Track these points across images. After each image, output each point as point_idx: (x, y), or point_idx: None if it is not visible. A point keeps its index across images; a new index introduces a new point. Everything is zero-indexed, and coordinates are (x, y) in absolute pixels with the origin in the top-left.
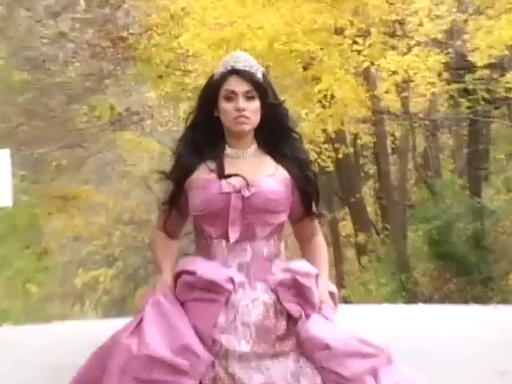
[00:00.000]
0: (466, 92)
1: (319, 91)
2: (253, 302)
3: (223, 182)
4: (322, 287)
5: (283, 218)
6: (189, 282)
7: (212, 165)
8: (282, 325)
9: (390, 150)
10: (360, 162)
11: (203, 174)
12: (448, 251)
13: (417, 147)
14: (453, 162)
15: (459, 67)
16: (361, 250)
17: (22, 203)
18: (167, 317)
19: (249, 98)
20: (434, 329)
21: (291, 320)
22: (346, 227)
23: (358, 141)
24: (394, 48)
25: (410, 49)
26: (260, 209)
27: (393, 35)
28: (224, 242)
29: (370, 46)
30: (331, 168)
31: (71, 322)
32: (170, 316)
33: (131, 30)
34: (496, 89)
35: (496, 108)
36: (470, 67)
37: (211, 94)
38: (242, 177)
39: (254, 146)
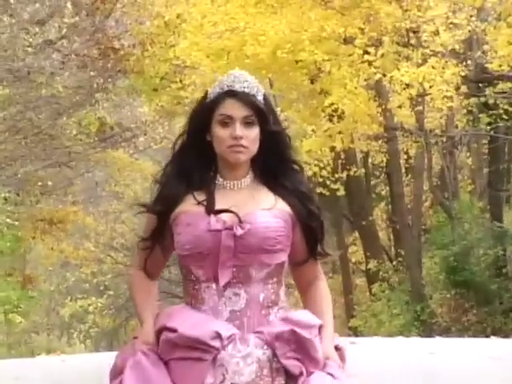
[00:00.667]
0: (486, 106)
1: (329, 105)
2: (244, 359)
3: (212, 218)
4: (327, 340)
5: (282, 257)
6: (171, 340)
7: (200, 196)
8: None
9: (403, 170)
10: (371, 182)
11: (190, 207)
12: (467, 279)
13: (433, 166)
14: (472, 183)
15: (479, 80)
16: (372, 278)
17: (4, 226)
18: (150, 381)
19: (247, 124)
20: (451, 364)
21: (290, 379)
22: (357, 253)
23: (369, 160)
24: (408, 59)
25: (425, 60)
26: (255, 248)
27: (407, 45)
28: (214, 286)
29: (382, 56)
30: (340, 190)
31: (58, 356)
32: (153, 381)
33: (122, 40)
34: None
35: None
36: (491, 80)
37: (204, 116)
38: (234, 212)
39: (250, 177)
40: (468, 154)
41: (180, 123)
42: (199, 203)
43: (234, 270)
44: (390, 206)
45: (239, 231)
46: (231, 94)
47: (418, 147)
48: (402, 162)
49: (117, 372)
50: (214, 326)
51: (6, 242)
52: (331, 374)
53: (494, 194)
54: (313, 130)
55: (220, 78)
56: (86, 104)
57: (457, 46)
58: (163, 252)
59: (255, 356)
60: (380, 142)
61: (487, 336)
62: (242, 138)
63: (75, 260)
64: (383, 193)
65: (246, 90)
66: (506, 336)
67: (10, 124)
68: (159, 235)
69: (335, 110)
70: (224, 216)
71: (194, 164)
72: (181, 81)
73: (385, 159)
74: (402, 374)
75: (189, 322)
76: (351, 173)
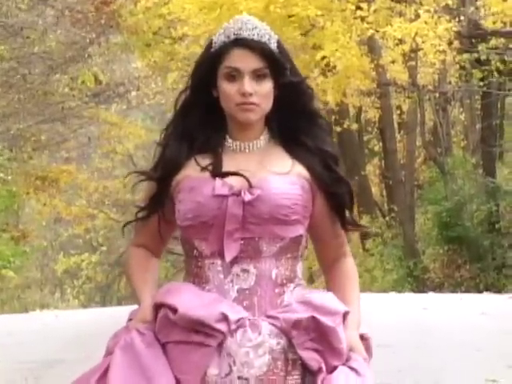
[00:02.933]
0: (478, 62)
1: (321, 59)
2: (255, 350)
3: (218, 181)
4: (352, 329)
5: (299, 230)
6: (170, 319)
7: (204, 160)
8: (295, 380)
9: (396, 126)
10: (364, 138)
11: (194, 172)
12: (459, 235)
13: (426, 122)
14: (464, 139)
15: (471, 35)
16: (365, 234)
17: None
18: (142, 365)
19: (258, 77)
20: (444, 319)
21: (308, 374)
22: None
23: (362, 115)
24: (400, 14)
25: (418, 15)
26: (266, 217)
27: (399, 0)
28: (219, 262)
29: (374, 11)
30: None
31: (51, 312)
32: (146, 364)
33: None
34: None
35: (511, 80)
36: (484, 35)
37: (208, 69)
38: (243, 175)
39: (265, 137)
40: (461, 109)
41: (173, 78)
42: (204, 168)
43: (242, 242)
44: (382, 162)
45: (248, 197)
46: (238, 42)
47: (411, 103)
48: (394, 117)
49: (107, 355)
50: (220, 306)
51: (0, 197)
52: (355, 370)
53: (486, 150)
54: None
55: (225, 25)
56: (78, 60)
57: (450, 2)
58: (165, 225)
59: (268, 346)
60: (373, 97)
61: (480, 291)
62: (251, 95)
63: (68, 216)
64: (376, 148)
65: (256, 38)
66: (498, 291)
67: (3, 80)
68: (159, 204)
69: (327, 65)
70: (231, 180)
71: (199, 123)
72: (174, 36)
73: (377, 115)
74: (395, 329)
75: (191, 301)
76: (344, 126)
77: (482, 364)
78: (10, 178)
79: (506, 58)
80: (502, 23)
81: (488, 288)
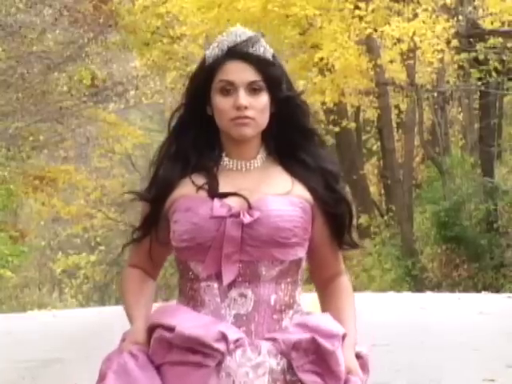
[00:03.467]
0: (476, 62)
1: (320, 59)
2: (255, 370)
3: (216, 202)
4: (349, 351)
5: (299, 253)
6: (166, 340)
7: (200, 180)
8: None
9: (394, 125)
10: (362, 137)
11: (190, 192)
12: (457, 234)
13: (424, 122)
14: (463, 138)
15: (470, 35)
16: (363, 233)
17: None
18: None
19: (254, 90)
20: (442, 318)
21: None
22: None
23: (361, 114)
24: (399, 14)
25: (416, 15)
26: (265, 240)
27: (398, 0)
28: (216, 285)
29: (373, 11)
30: (330, 140)
31: (49, 311)
32: None
33: None
34: (510, 59)
35: (509, 79)
36: (482, 35)
37: (202, 85)
38: (242, 196)
39: (262, 155)
40: (459, 109)
41: (171, 77)
42: (200, 187)
43: (240, 266)
44: (381, 161)
45: (247, 218)
46: (233, 55)
47: (409, 102)
48: (393, 117)
49: (100, 380)
50: (219, 326)
51: None
52: None
53: (484, 150)
54: (304, 85)
55: (219, 38)
56: (77, 59)
57: (448, 1)
58: (159, 247)
59: (268, 366)
60: (371, 96)
61: (478, 291)
62: (246, 108)
63: (66, 216)
64: (374, 148)
65: (251, 50)
66: (496, 291)
67: (1, 79)
68: (153, 225)
69: (326, 64)
70: (230, 201)
71: (194, 142)
72: (173, 35)
73: (376, 114)
74: (393, 328)
75: (188, 321)
76: (342, 126)
77: (480, 363)
78: (7, 175)
79: (504, 58)
80: (500, 23)
81: (486, 287)
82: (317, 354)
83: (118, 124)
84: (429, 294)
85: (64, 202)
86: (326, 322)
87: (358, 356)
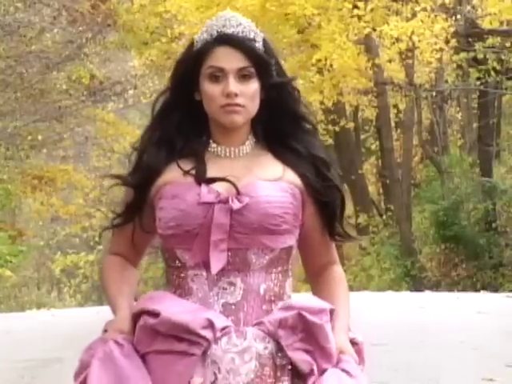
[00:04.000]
0: (475, 61)
1: (318, 60)
2: (241, 355)
3: (203, 188)
4: (341, 332)
5: (289, 241)
6: (151, 327)
7: (187, 165)
8: None
9: (393, 124)
10: (361, 136)
11: (177, 178)
12: (456, 234)
13: (423, 121)
14: (461, 138)
15: (468, 34)
16: (362, 233)
17: None
18: (121, 377)
19: (244, 77)
20: (441, 318)
21: (297, 379)
22: (346, 207)
23: (359, 114)
24: (397, 13)
25: (414, 14)
26: (254, 227)
27: None
28: (204, 274)
29: (371, 10)
30: (328, 140)
31: (48, 310)
32: (126, 376)
33: None
34: (508, 58)
35: (508, 79)
36: (481, 34)
37: (190, 70)
38: (231, 181)
39: (251, 142)
40: (458, 108)
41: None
42: (186, 172)
43: (229, 253)
44: (379, 161)
45: (236, 204)
46: (222, 40)
47: (408, 102)
48: (391, 116)
49: (82, 368)
50: (205, 313)
51: None
52: (346, 371)
53: (483, 149)
54: (302, 84)
55: (208, 22)
56: (75, 58)
57: (446, 0)
58: (142, 234)
59: (254, 351)
60: (370, 96)
61: (477, 290)
62: (236, 95)
63: (65, 215)
64: (373, 147)
65: (241, 35)
66: (495, 290)
67: (0, 78)
68: (135, 212)
69: (324, 64)
70: (218, 186)
71: (179, 127)
72: (171, 35)
73: (374, 113)
74: (392, 327)
75: (175, 307)
76: (341, 125)
77: (479, 363)
78: (6, 175)
79: (502, 57)
80: (499, 22)
81: (485, 287)
82: (305, 332)
83: (116, 123)
84: (427, 294)
85: (63, 202)
86: (311, 301)
87: (353, 342)
